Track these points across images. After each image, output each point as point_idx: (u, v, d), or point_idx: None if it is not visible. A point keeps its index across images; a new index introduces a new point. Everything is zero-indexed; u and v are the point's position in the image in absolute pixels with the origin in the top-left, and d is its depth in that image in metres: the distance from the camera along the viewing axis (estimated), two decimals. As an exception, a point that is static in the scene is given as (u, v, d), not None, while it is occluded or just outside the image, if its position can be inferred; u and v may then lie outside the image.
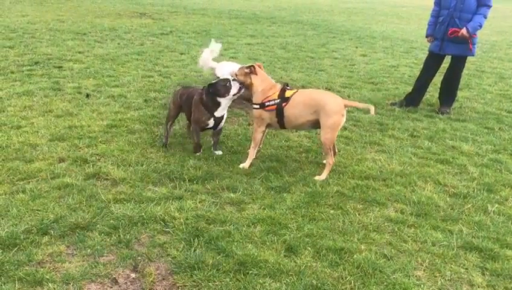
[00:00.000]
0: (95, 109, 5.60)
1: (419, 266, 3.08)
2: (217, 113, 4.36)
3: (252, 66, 4.33)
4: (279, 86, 4.32)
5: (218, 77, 5.99)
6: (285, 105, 4.20)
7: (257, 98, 4.29)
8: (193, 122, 4.42)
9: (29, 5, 14.57)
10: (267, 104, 4.23)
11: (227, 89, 4.26)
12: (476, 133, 5.67)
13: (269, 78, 4.42)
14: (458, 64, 6.34)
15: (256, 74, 4.31)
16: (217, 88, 4.27)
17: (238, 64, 6.13)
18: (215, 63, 6.21)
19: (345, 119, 4.23)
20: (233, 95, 4.30)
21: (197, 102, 4.37)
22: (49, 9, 13.74)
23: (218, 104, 4.32)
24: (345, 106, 4.20)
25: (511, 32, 15.96)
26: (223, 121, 4.50)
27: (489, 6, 5.95)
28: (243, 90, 4.36)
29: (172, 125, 4.78)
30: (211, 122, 4.39)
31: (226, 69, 5.94)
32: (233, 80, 4.30)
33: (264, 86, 4.29)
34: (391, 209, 3.77)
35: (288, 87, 4.31)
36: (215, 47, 6.26)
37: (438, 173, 4.50)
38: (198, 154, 4.45)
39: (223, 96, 4.29)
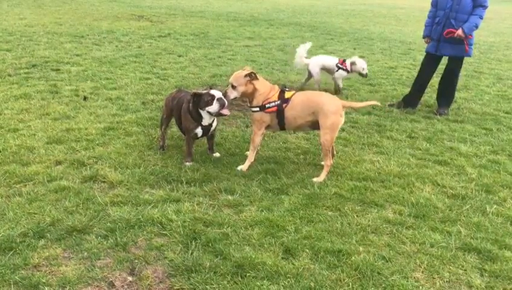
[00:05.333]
0: (92, 112, 5.59)
1: (417, 268, 3.07)
2: (204, 122, 4.28)
3: (252, 72, 4.18)
4: (277, 88, 4.31)
5: (310, 73, 7.03)
6: (285, 106, 4.19)
7: (257, 101, 4.25)
8: (185, 131, 4.40)
9: (27, 8, 14.56)
10: (267, 106, 4.21)
11: (207, 104, 4.13)
12: (474, 134, 5.67)
13: (265, 80, 4.41)
14: (455, 65, 6.34)
15: (257, 79, 4.22)
16: (198, 99, 4.17)
17: (330, 57, 6.97)
18: (308, 59, 7.08)
19: (343, 120, 4.23)
20: (210, 112, 4.17)
21: (185, 110, 4.31)
22: (47, 12, 13.73)
23: (201, 115, 4.24)
24: (343, 107, 4.21)
25: (509, 33, 15.99)
26: (213, 128, 4.41)
27: (485, 7, 5.95)
28: (227, 114, 4.21)
29: (167, 127, 4.76)
30: (199, 131, 4.31)
31: (318, 62, 6.97)
32: (221, 98, 4.12)
33: (264, 89, 4.25)
34: (389, 211, 3.76)
35: (286, 89, 4.31)
36: (306, 46, 7.16)
37: (436, 174, 4.49)
38: (188, 164, 4.31)
39: (202, 108, 4.18)
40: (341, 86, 7.08)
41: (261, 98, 4.23)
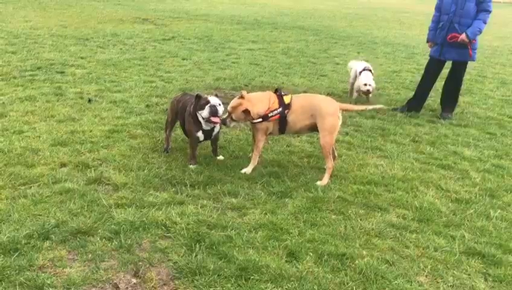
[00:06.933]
0: (96, 114, 5.61)
1: (421, 272, 3.07)
2: (204, 126, 4.28)
3: (247, 110, 4.08)
4: (273, 94, 4.24)
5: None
6: (287, 112, 4.19)
7: (259, 115, 4.18)
8: (188, 134, 4.42)
9: (32, 10, 14.63)
10: (270, 115, 4.18)
11: (200, 108, 4.15)
12: (478, 139, 5.67)
13: (258, 93, 4.38)
14: (458, 69, 6.34)
15: (252, 107, 4.13)
16: (197, 102, 4.20)
17: (361, 63, 7.06)
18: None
19: (340, 122, 4.23)
20: (202, 116, 4.19)
21: (188, 113, 4.33)
22: (52, 15, 13.80)
23: (198, 118, 4.25)
24: (341, 109, 4.22)
25: (513, 37, 15.97)
26: (215, 132, 4.41)
27: (489, 12, 5.96)
28: (217, 122, 4.19)
29: (171, 130, 4.77)
30: (200, 135, 4.31)
31: (353, 67, 7.04)
32: (213, 106, 4.11)
33: (262, 106, 4.16)
34: (393, 215, 3.76)
35: (283, 93, 4.28)
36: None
37: (440, 178, 4.49)
38: (192, 167, 4.33)
39: (197, 111, 4.21)
40: (354, 95, 6.93)
41: (261, 112, 4.17)
